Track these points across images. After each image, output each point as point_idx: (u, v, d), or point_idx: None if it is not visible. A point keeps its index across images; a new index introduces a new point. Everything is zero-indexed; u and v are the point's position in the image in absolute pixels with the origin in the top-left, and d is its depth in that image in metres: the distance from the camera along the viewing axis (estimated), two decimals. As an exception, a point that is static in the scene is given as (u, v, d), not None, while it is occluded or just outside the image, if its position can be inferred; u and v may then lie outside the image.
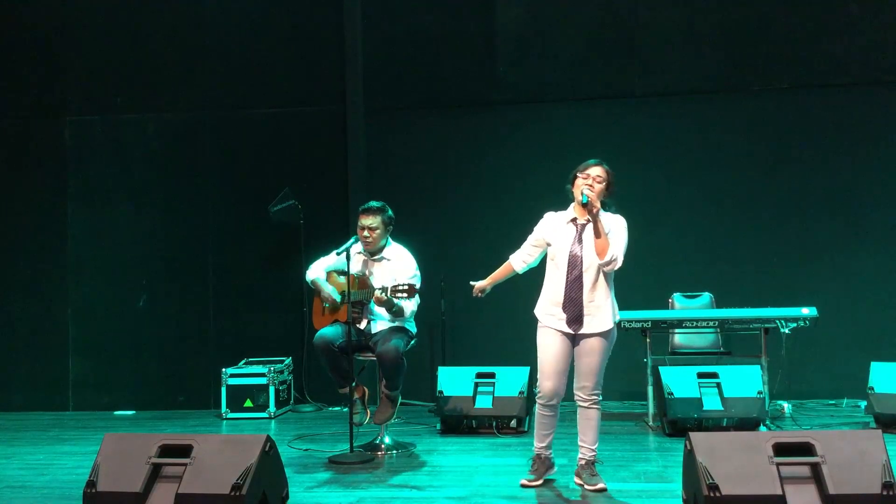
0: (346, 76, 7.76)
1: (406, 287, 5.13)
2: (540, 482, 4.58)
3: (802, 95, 7.32)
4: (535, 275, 4.65)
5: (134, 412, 7.69)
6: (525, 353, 5.16)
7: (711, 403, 5.76)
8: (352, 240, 5.43)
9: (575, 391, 4.46)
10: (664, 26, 7.49)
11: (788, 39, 7.34)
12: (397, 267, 5.45)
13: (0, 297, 8.00)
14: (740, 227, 7.34)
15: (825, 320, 6.21)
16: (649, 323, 6.22)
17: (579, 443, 4.50)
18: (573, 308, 4.36)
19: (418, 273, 5.49)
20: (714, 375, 5.87)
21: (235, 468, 3.78)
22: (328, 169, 7.79)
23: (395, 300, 5.22)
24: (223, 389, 7.17)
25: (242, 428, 6.68)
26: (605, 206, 4.40)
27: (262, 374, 7.15)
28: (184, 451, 3.91)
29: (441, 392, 6.21)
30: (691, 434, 3.79)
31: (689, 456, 3.75)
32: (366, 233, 5.45)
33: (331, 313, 5.60)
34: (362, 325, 5.51)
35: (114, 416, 7.63)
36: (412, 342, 5.55)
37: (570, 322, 4.38)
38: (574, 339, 4.43)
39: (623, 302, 6.49)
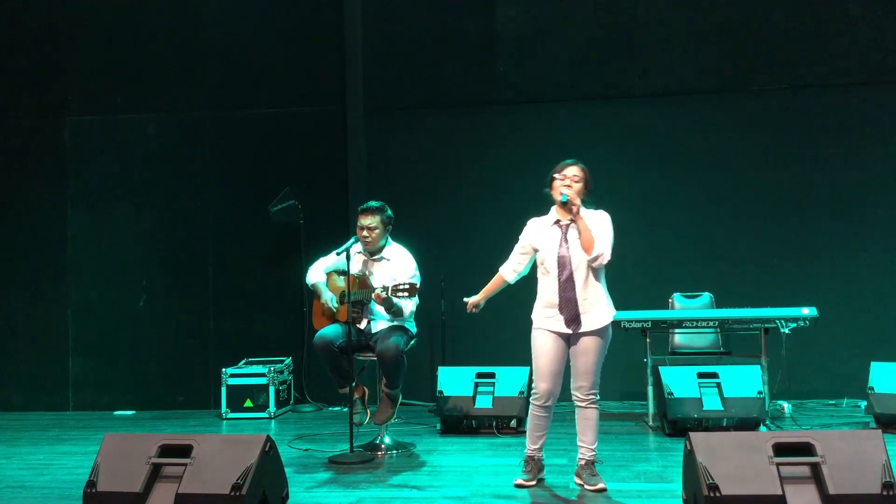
0: (346, 76, 7.76)
1: (406, 287, 5.13)
2: (534, 482, 4.58)
3: (802, 95, 7.32)
4: (535, 275, 4.65)
5: (134, 412, 7.70)
6: (525, 354, 5.14)
7: (711, 403, 5.76)
8: (352, 240, 5.43)
9: (572, 391, 4.46)
10: (664, 26, 7.49)
11: (788, 39, 7.34)
12: (397, 267, 5.45)
13: (0, 297, 8.00)
14: (740, 227, 7.34)
15: (825, 320, 6.21)
16: (649, 323, 6.22)
17: (578, 443, 4.50)
18: (570, 308, 4.38)
19: (418, 273, 5.48)
20: (714, 375, 5.87)
21: (235, 468, 3.78)
22: (328, 169, 7.79)
23: (395, 300, 5.22)
24: (223, 389, 7.17)
25: (242, 428, 6.68)
26: (585, 204, 4.44)
27: (262, 374, 7.15)
28: (184, 451, 3.91)
29: (441, 392, 6.21)
30: (691, 434, 3.78)
31: (689, 456, 3.75)
32: (365, 233, 5.45)
33: (331, 312, 5.60)
34: (362, 325, 5.51)
35: (114, 416, 7.64)
36: (412, 342, 5.55)
37: (568, 322, 4.39)
38: (569, 340, 4.44)
39: (623, 302, 6.49)
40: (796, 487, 3.51)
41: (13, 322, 8.00)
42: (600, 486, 4.41)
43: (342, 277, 5.52)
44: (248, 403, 7.14)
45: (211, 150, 7.97)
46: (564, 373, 4.48)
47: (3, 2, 8.14)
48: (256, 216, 7.66)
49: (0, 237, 8.05)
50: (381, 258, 5.53)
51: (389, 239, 5.59)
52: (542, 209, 4.64)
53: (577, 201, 4.35)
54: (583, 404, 4.44)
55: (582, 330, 4.38)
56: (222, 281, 7.88)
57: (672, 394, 5.80)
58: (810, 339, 6.62)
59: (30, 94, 8.11)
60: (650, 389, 6.20)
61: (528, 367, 5.94)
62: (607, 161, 7.43)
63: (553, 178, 4.46)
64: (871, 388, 5.87)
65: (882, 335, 6.98)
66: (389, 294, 5.17)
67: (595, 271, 4.40)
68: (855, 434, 3.84)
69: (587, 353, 4.39)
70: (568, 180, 4.40)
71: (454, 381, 6.23)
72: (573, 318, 4.38)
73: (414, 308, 5.47)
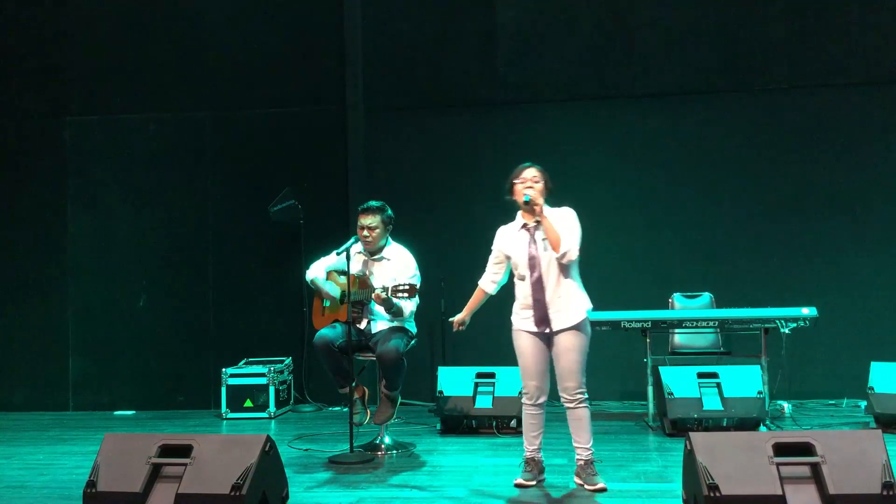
0: (346, 76, 7.76)
1: (407, 287, 5.13)
2: (534, 483, 4.58)
3: (802, 95, 7.32)
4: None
5: (134, 412, 7.70)
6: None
7: (711, 403, 5.76)
8: (352, 240, 5.43)
9: (560, 393, 4.48)
10: (664, 26, 7.49)
11: (788, 39, 7.34)
12: (397, 267, 5.46)
13: (0, 297, 8.00)
14: (740, 228, 7.34)
15: (825, 320, 6.21)
16: (649, 323, 6.22)
17: (574, 444, 4.50)
18: (539, 309, 4.44)
19: (418, 273, 5.49)
20: (714, 375, 5.87)
21: (235, 468, 3.78)
22: (328, 169, 7.79)
23: (395, 300, 5.22)
24: (223, 389, 7.17)
25: (242, 428, 6.68)
26: (548, 204, 4.50)
27: (262, 374, 7.15)
28: (184, 451, 3.91)
29: (441, 392, 6.21)
30: (691, 434, 3.79)
31: (689, 456, 3.75)
32: (365, 232, 5.46)
33: (331, 313, 5.60)
34: (362, 325, 5.51)
35: (114, 416, 7.64)
36: (412, 342, 5.55)
37: (538, 323, 4.45)
38: (549, 341, 4.46)
39: (623, 302, 6.53)
40: (796, 487, 3.51)
41: (13, 322, 8.00)
42: (600, 486, 4.41)
43: (342, 277, 5.52)
44: (248, 403, 7.14)
45: (211, 150, 7.98)
46: (553, 372, 4.50)
47: (4, 2, 8.14)
48: (256, 216, 7.66)
49: (0, 237, 8.05)
50: (382, 258, 5.53)
51: (389, 239, 5.59)
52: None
53: (540, 201, 4.43)
54: (571, 405, 4.44)
55: (555, 329, 4.42)
56: (222, 281, 7.88)
57: (672, 394, 5.80)
58: (810, 339, 6.62)
59: (30, 94, 8.11)
60: (650, 389, 6.20)
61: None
62: (607, 161, 7.46)
63: (513, 184, 4.53)
64: (871, 388, 5.88)
65: (882, 335, 6.98)
66: (389, 295, 5.17)
67: (565, 269, 4.43)
68: (855, 434, 3.85)
69: (566, 352, 4.41)
70: (529, 182, 4.48)
71: (454, 381, 6.23)
72: (542, 318, 4.44)
73: (414, 308, 5.47)
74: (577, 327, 4.42)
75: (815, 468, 3.55)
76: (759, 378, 5.86)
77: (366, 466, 5.17)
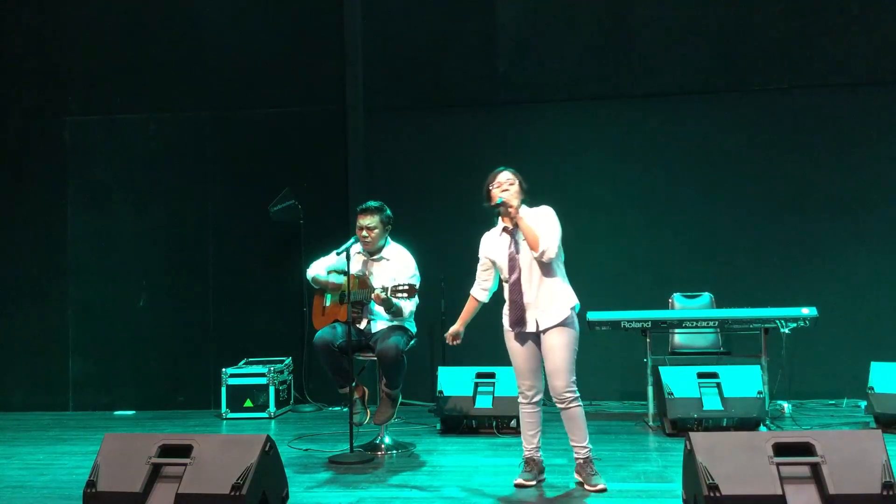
0: (346, 76, 7.76)
1: (406, 287, 5.13)
2: (534, 483, 4.57)
3: (802, 95, 7.32)
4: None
5: (134, 412, 7.70)
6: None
7: (711, 403, 5.76)
8: (352, 240, 5.43)
9: (551, 394, 4.48)
10: (664, 26, 7.49)
11: (788, 39, 7.34)
12: (397, 267, 5.46)
13: (0, 297, 8.00)
14: (740, 228, 7.33)
15: (825, 320, 6.21)
16: (649, 323, 6.22)
17: (571, 444, 4.50)
18: (515, 310, 4.47)
19: (418, 273, 5.49)
20: (714, 375, 5.87)
21: (235, 468, 3.78)
22: (328, 169, 7.79)
23: (395, 300, 5.22)
24: (223, 389, 7.17)
25: (242, 428, 6.68)
26: (526, 204, 4.54)
27: (262, 374, 7.15)
28: (184, 451, 3.90)
29: (441, 392, 6.21)
30: (691, 434, 3.78)
31: (689, 456, 3.74)
32: (364, 232, 5.46)
33: (331, 312, 5.60)
34: (362, 325, 5.51)
35: (114, 416, 7.64)
36: (412, 342, 5.55)
37: (513, 324, 4.48)
38: (537, 340, 4.47)
39: (623, 302, 6.53)
40: (796, 487, 3.51)
41: (13, 322, 8.00)
42: (600, 486, 4.41)
43: (342, 277, 5.52)
44: (248, 403, 7.14)
45: (211, 150, 7.98)
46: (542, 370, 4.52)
47: (3, 2, 8.14)
48: (256, 216, 7.66)
49: (0, 237, 8.05)
50: (381, 258, 5.53)
51: (389, 239, 5.59)
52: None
53: (514, 202, 4.46)
54: (563, 405, 4.44)
55: (542, 328, 4.42)
56: (222, 281, 7.88)
57: (672, 394, 5.80)
58: (810, 339, 6.61)
59: (30, 94, 8.11)
60: (650, 389, 6.19)
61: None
62: (607, 161, 7.46)
63: (489, 189, 4.58)
64: (871, 388, 5.87)
65: (882, 335, 6.98)
66: (389, 295, 5.17)
67: (546, 268, 4.43)
68: (855, 434, 3.85)
69: (553, 349, 4.41)
70: (504, 185, 4.52)
71: (454, 381, 6.23)
72: (518, 319, 4.46)
73: (414, 308, 5.47)
74: (562, 324, 4.41)
75: (815, 468, 3.54)
76: (759, 378, 5.86)
77: (366, 466, 5.17)
